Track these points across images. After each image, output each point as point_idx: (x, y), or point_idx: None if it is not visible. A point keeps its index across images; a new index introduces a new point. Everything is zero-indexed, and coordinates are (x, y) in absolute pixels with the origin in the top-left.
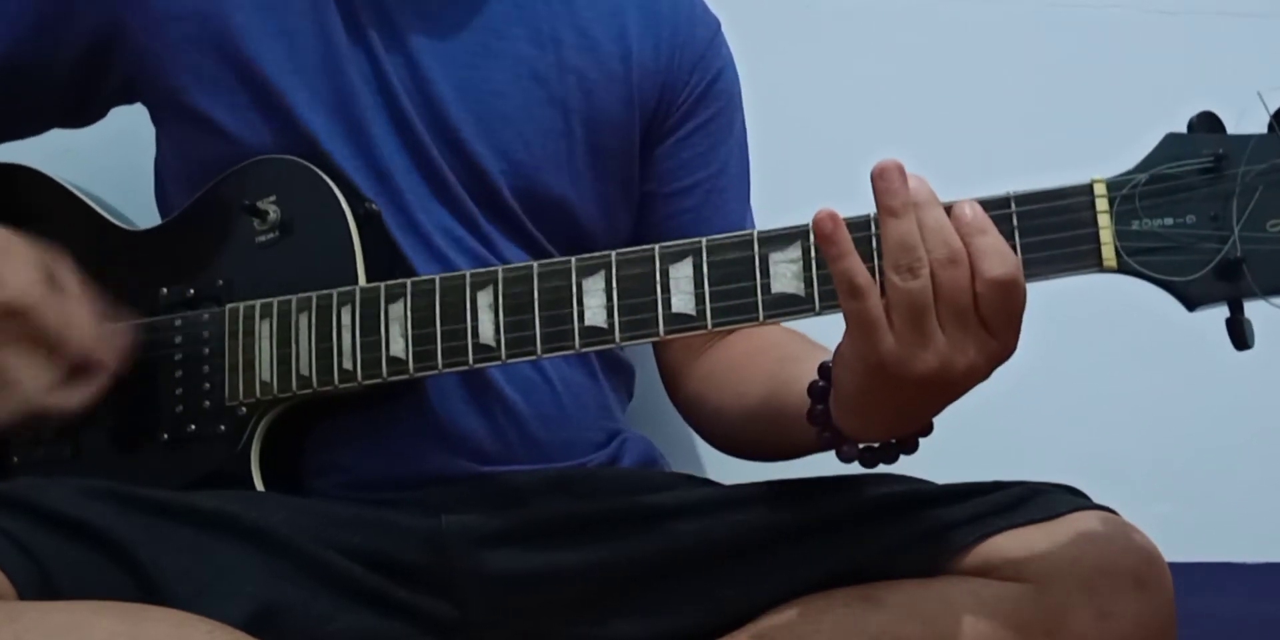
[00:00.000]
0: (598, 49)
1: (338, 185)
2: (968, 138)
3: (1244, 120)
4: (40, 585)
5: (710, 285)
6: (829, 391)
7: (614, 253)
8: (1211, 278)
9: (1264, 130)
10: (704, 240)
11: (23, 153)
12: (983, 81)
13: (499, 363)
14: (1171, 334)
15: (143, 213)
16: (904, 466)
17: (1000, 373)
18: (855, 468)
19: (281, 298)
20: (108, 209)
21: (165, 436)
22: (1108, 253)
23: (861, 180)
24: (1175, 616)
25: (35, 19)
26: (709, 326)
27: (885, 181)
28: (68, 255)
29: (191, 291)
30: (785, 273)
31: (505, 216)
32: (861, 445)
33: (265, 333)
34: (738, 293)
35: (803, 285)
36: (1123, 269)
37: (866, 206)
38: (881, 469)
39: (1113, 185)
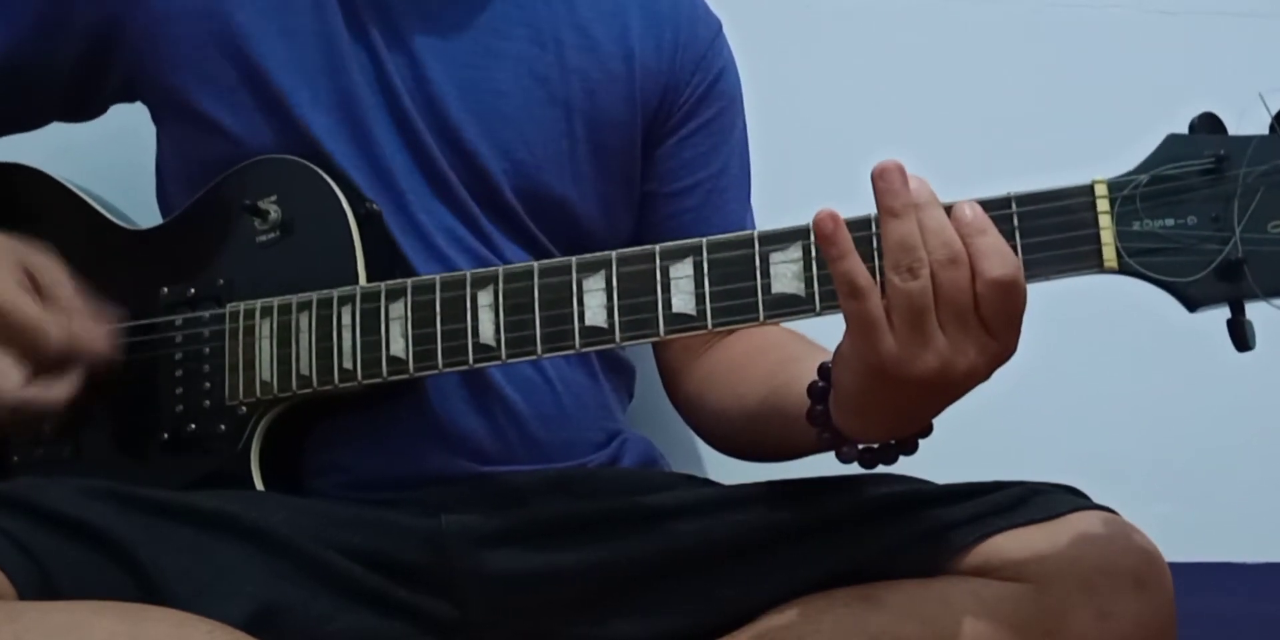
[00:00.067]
0: (599, 49)
1: (338, 185)
2: (968, 138)
3: (1244, 120)
4: (40, 585)
5: (710, 285)
6: (829, 392)
7: (614, 252)
8: (1212, 279)
9: (1265, 131)
10: (704, 240)
11: (23, 151)
12: (983, 81)
13: (499, 362)
14: (1171, 334)
15: (143, 212)
16: (904, 467)
17: (1000, 373)
18: (855, 468)
19: (282, 297)
20: (108, 208)
21: (165, 436)
22: (1108, 253)
23: (862, 180)
24: (1175, 616)
25: (36, 18)
26: (709, 326)
27: (886, 182)
28: (49, 247)
29: (192, 291)
30: (785, 273)
31: (506, 216)
32: (861, 446)
33: (265, 332)
34: (738, 293)
35: (803, 286)
36: (1123, 270)
37: (867, 206)
38: (881, 469)
39: (1114, 186)
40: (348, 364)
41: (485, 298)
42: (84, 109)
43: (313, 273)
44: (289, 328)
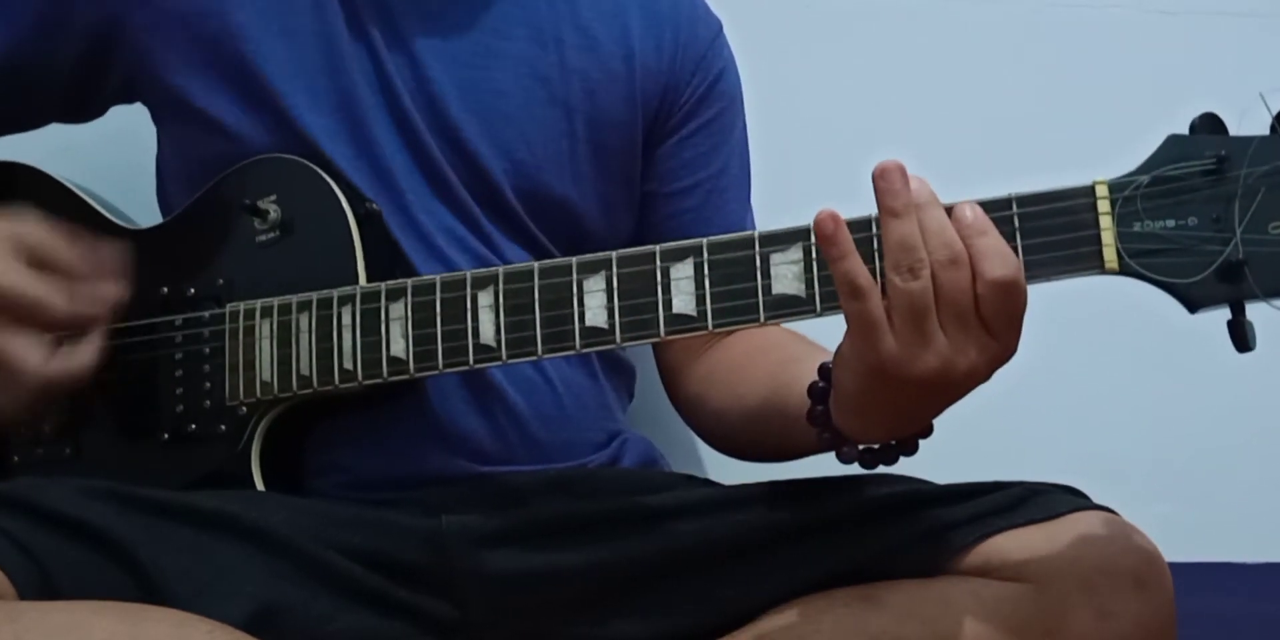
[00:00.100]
0: (600, 49)
1: (338, 185)
2: (968, 138)
3: (1245, 121)
4: (40, 585)
5: (711, 286)
6: (829, 392)
7: (614, 253)
8: (1213, 280)
9: (1266, 132)
10: (705, 241)
11: (23, 151)
12: (983, 81)
13: (499, 363)
14: (1171, 334)
15: (143, 211)
16: (904, 467)
17: (1000, 373)
18: (855, 468)
19: (282, 298)
20: (108, 207)
21: (165, 436)
22: (1109, 254)
23: (862, 180)
24: (1175, 616)
25: (35, 18)
26: (710, 327)
27: (887, 182)
28: (37, 215)
29: (192, 291)
30: (786, 274)
31: (507, 216)
32: (861, 447)
33: (266, 332)
34: (738, 293)
35: (803, 286)
36: (1124, 271)
37: (867, 206)
38: (881, 470)
39: (1114, 187)
40: (348, 364)
41: (486, 298)
42: (84, 109)
43: (313, 273)
44: (289, 328)
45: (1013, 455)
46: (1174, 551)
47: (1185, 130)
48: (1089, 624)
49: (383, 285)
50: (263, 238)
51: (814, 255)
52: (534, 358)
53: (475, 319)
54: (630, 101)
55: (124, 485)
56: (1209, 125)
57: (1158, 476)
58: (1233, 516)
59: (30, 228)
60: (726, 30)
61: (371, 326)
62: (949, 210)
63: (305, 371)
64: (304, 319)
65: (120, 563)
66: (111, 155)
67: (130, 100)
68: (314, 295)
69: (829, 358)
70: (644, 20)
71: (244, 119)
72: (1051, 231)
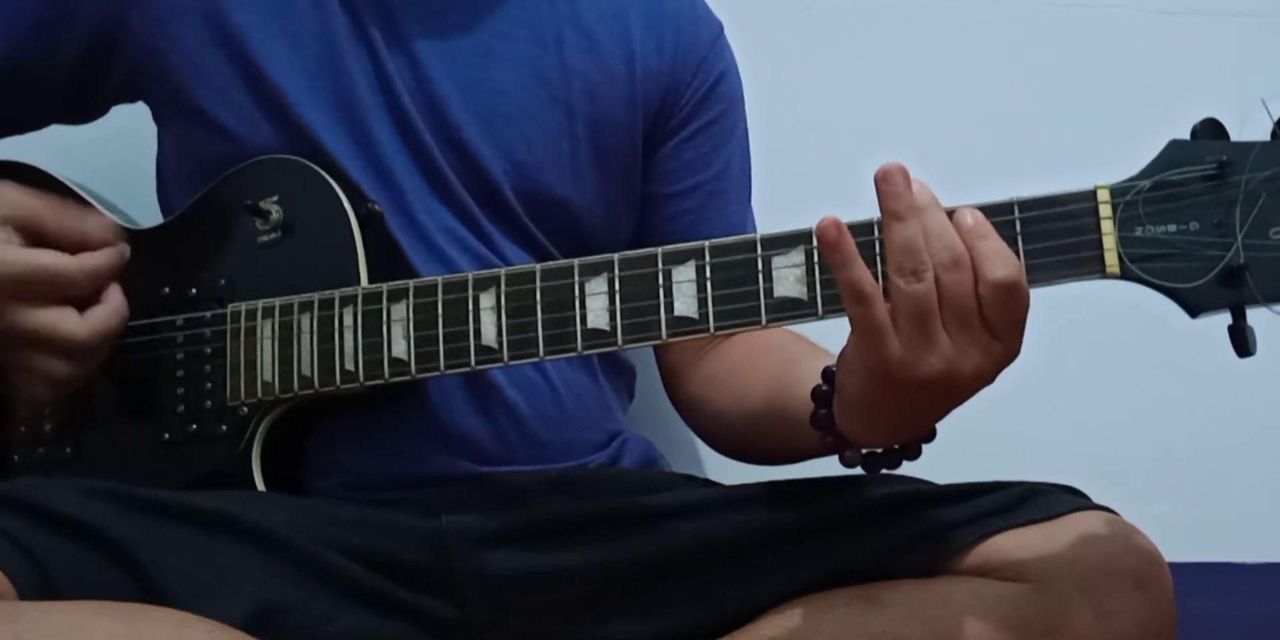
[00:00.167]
0: (601, 50)
1: (340, 185)
2: (968, 138)
3: (1246, 126)
4: (40, 585)
5: (713, 288)
6: (832, 396)
7: (616, 255)
8: (1214, 285)
9: (1267, 137)
10: (706, 243)
11: (23, 151)
12: (983, 82)
13: (501, 364)
14: (1171, 334)
15: (144, 211)
16: (905, 467)
17: (1001, 373)
18: (856, 470)
19: (283, 298)
20: (109, 207)
21: (166, 436)
22: (1110, 259)
23: (862, 181)
24: (1175, 616)
25: (35, 18)
26: (711, 329)
27: (890, 185)
28: (18, 189)
29: (193, 291)
30: (788, 277)
31: (507, 217)
32: (864, 450)
33: (267, 333)
34: (740, 296)
35: (805, 289)
36: (1125, 275)
37: (867, 208)
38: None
39: (1116, 191)
40: (349, 365)
41: (487, 300)
42: (84, 109)
43: (314, 273)
44: (290, 328)
45: (1013, 455)
46: (1174, 551)
47: (1185, 130)
48: (1089, 624)
49: (384, 286)
50: (264, 238)
51: (815, 258)
52: (535, 359)
53: (477, 320)
54: (631, 103)
55: (124, 485)
56: (1210, 130)
57: (1158, 476)
58: (1233, 516)
59: (14, 201)
60: (727, 31)
61: (373, 327)
62: (949, 214)
63: (306, 372)
64: (305, 319)
65: (120, 563)
66: (112, 155)
67: (132, 99)
68: (315, 296)
69: (831, 360)
70: (645, 22)
71: (245, 118)
72: (1053, 236)
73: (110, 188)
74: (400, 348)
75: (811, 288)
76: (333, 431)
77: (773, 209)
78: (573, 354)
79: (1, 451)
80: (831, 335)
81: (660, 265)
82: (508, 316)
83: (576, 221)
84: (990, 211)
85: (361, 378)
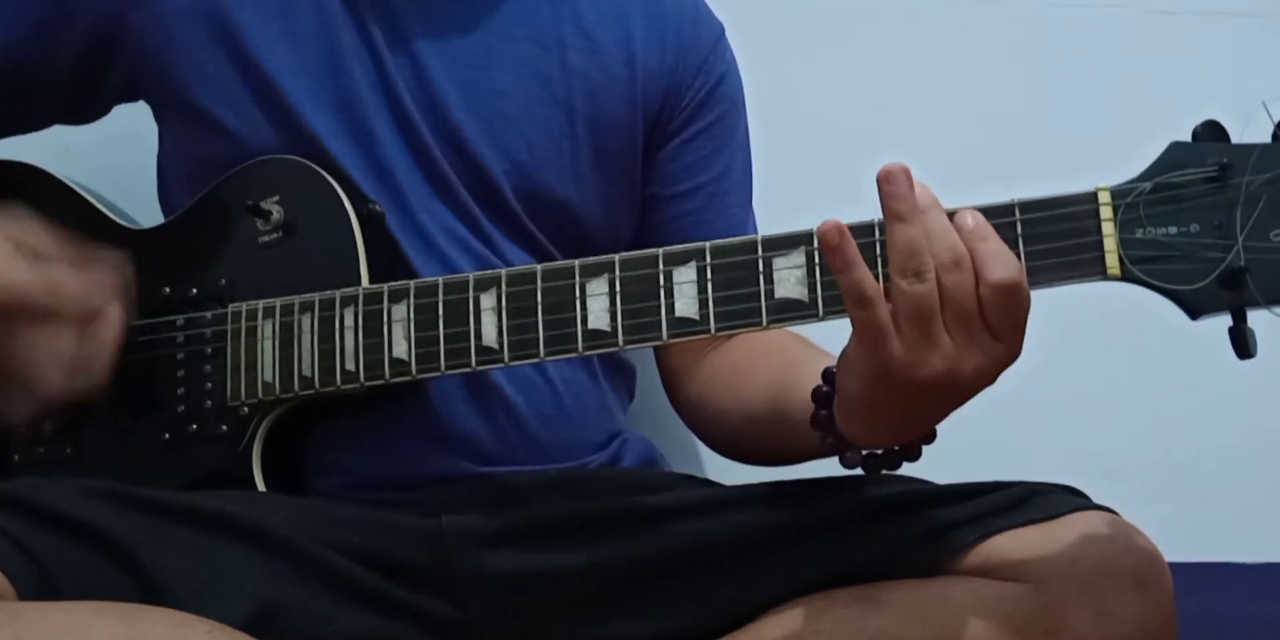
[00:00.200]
0: (601, 51)
1: (341, 185)
2: (968, 138)
3: (1247, 129)
4: (40, 585)
5: (713, 290)
6: (833, 397)
7: (617, 256)
8: (1215, 287)
9: (1268, 139)
10: (707, 244)
11: (23, 150)
12: (983, 82)
13: (502, 365)
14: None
15: (144, 211)
16: (905, 466)
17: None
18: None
19: (284, 298)
20: (109, 207)
21: (166, 436)
22: (1111, 261)
23: (862, 182)
24: (1175, 616)
25: (35, 18)
26: (711, 331)
27: (893, 185)
28: (32, 213)
29: (194, 291)
30: (789, 278)
31: (507, 217)
32: (865, 451)
33: (268, 333)
34: (741, 297)
35: (806, 291)
36: (1126, 277)
37: (868, 208)
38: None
39: (1117, 193)
40: (350, 365)
41: (488, 300)
42: (85, 109)
43: (315, 273)
44: (291, 328)
45: (1013, 455)
46: (1174, 551)
47: (1185, 131)
48: (1089, 624)
49: (385, 287)
50: (265, 238)
51: (816, 260)
52: (536, 360)
53: (478, 321)
54: (631, 104)
55: (124, 485)
56: (1211, 133)
57: (1158, 476)
58: (1233, 516)
59: (26, 225)
60: (727, 32)
61: (374, 328)
62: (950, 216)
63: (307, 372)
64: (306, 320)
65: (120, 563)
66: (112, 155)
67: (133, 99)
68: (316, 296)
69: (831, 361)
70: (646, 23)
71: (245, 118)
72: (1054, 237)
73: (110, 188)
74: (401, 348)
75: (812, 289)
76: (333, 431)
77: (773, 210)
78: (573, 355)
79: (1, 451)
80: (832, 336)
81: (661, 266)
82: (508, 317)
83: (577, 222)
84: (991, 213)
85: (362, 378)
